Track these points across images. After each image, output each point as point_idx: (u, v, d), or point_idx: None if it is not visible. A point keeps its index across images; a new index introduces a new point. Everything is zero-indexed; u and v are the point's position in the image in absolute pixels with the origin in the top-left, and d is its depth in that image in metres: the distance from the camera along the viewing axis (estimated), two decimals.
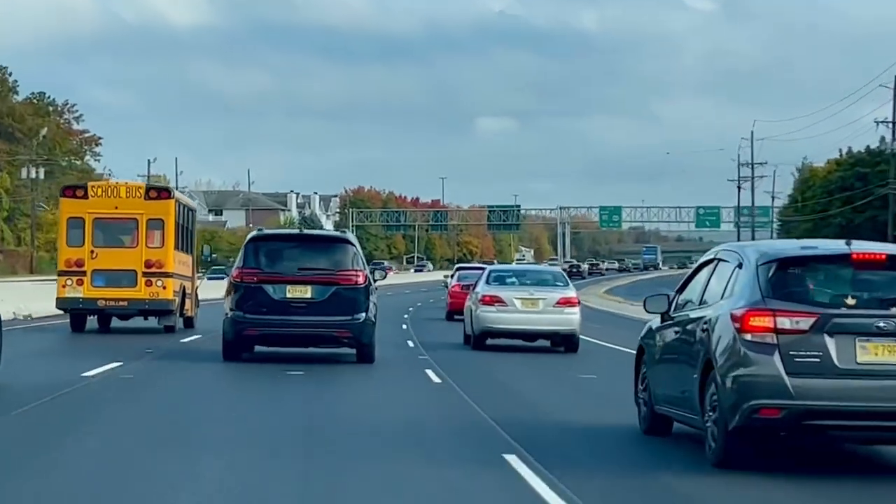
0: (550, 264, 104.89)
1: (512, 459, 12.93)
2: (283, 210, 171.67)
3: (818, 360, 12.05)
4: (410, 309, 54.79)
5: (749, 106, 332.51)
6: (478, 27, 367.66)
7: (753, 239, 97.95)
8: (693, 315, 13.76)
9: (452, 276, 54.78)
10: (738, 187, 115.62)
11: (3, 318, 21.35)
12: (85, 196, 34.38)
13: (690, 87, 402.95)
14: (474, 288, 32.97)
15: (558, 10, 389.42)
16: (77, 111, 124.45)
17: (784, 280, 12.60)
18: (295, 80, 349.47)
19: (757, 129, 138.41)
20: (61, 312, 35.71)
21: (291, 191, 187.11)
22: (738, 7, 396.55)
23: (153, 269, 33.94)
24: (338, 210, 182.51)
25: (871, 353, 12.09)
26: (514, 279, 32.51)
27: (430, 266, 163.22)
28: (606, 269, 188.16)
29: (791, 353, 12.07)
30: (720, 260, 13.90)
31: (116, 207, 34.16)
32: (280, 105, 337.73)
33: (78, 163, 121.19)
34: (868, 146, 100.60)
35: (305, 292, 24.51)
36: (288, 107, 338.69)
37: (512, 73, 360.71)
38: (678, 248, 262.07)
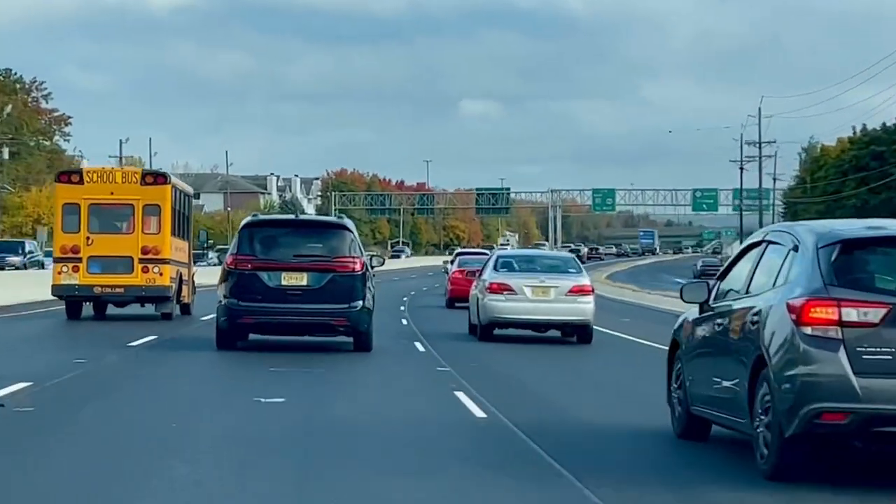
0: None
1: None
2: (263, 193, 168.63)
3: (890, 357, 10.62)
4: (405, 298, 53.64)
5: (742, 87, 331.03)
6: (463, 8, 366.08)
7: (761, 223, 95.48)
8: (738, 305, 12.31)
9: (453, 262, 53.73)
10: (741, 168, 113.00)
11: None
12: (80, 181, 34.04)
13: (679, 68, 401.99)
14: (481, 275, 31.41)
15: None
16: (46, 89, 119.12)
17: (849, 265, 11.12)
18: (276, 61, 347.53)
19: (755, 109, 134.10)
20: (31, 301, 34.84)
21: (272, 173, 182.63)
22: None
23: (150, 256, 33.73)
24: (319, 193, 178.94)
25: None
26: (523, 265, 30.98)
27: (409, 251, 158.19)
28: (605, 255, 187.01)
29: (858, 349, 10.65)
30: (770, 242, 12.37)
31: (112, 193, 33.88)
32: (261, 87, 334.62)
33: (47, 143, 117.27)
34: (884, 123, 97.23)
35: (301, 279, 24.16)
36: (269, 89, 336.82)
37: (498, 55, 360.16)
38: (668, 232, 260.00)
